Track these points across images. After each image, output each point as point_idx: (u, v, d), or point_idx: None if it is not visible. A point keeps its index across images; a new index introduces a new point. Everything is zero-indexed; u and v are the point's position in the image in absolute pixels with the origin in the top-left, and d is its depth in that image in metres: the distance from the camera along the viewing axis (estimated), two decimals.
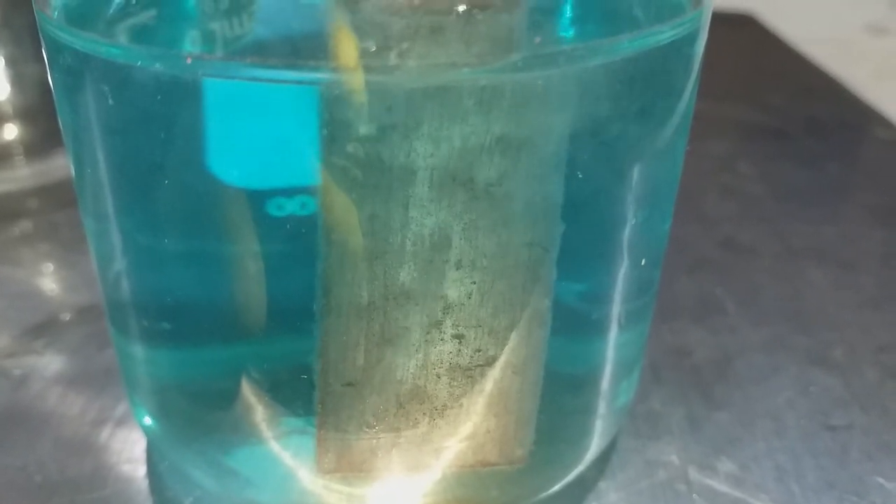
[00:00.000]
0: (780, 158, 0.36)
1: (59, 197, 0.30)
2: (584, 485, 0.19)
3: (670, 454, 0.20)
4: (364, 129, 0.11)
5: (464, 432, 0.15)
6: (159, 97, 0.12)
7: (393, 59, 0.11)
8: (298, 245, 0.14)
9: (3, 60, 0.30)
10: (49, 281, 0.26)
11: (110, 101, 0.13)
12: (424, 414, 0.15)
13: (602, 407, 0.18)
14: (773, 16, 0.56)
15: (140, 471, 0.19)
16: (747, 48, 0.49)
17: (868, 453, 0.20)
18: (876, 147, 0.38)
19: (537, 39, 0.12)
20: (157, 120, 0.13)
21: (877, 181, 0.34)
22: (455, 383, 0.15)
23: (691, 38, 0.15)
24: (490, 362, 0.15)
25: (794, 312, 0.25)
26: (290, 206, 0.13)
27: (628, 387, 0.19)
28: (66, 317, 0.24)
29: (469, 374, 0.15)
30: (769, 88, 0.44)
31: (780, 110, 0.41)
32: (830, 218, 0.31)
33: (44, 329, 0.23)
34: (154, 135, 0.13)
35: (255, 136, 0.13)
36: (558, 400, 0.17)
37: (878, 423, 0.21)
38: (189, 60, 0.12)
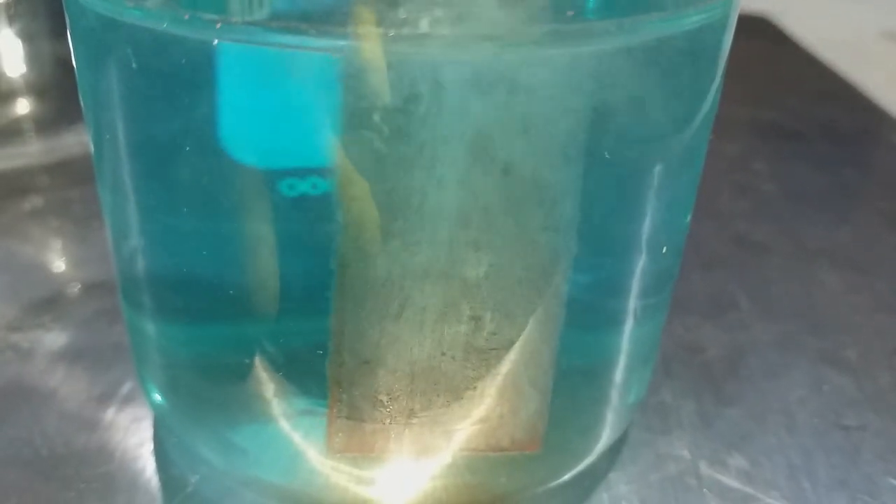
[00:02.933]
0: (795, 160, 0.36)
1: (71, 173, 0.29)
2: (595, 476, 0.19)
3: (681, 448, 0.19)
4: (388, 100, 0.11)
5: (477, 415, 0.15)
6: (183, 62, 0.12)
7: (422, 28, 0.11)
8: (312, 224, 0.14)
9: (17, 35, 0.30)
10: (59, 256, 0.26)
11: (133, 66, 0.13)
12: (438, 395, 0.14)
13: (615, 399, 0.17)
14: (787, 20, 0.55)
15: (147, 447, 0.19)
16: (762, 50, 0.49)
17: (881, 455, 0.20)
18: (891, 152, 0.37)
19: (570, 13, 0.11)
20: (181, 87, 0.13)
21: (892, 187, 0.34)
22: (469, 365, 0.14)
23: (720, 25, 0.15)
24: (505, 345, 0.15)
25: (806, 312, 0.25)
26: (303, 186, 0.13)
27: (641, 380, 0.19)
28: (76, 292, 0.24)
29: (484, 356, 0.14)
30: (784, 90, 0.43)
31: (795, 112, 0.41)
32: (844, 221, 0.31)
33: (52, 304, 0.23)
34: (176, 102, 0.13)
35: (275, 109, 0.12)
36: (572, 389, 0.16)
37: (891, 426, 0.21)
38: (218, 25, 0.11)
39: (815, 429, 0.20)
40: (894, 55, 0.56)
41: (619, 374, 0.17)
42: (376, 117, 0.12)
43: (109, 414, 0.20)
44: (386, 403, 0.14)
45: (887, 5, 0.64)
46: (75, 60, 0.15)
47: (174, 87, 0.13)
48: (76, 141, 0.30)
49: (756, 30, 0.53)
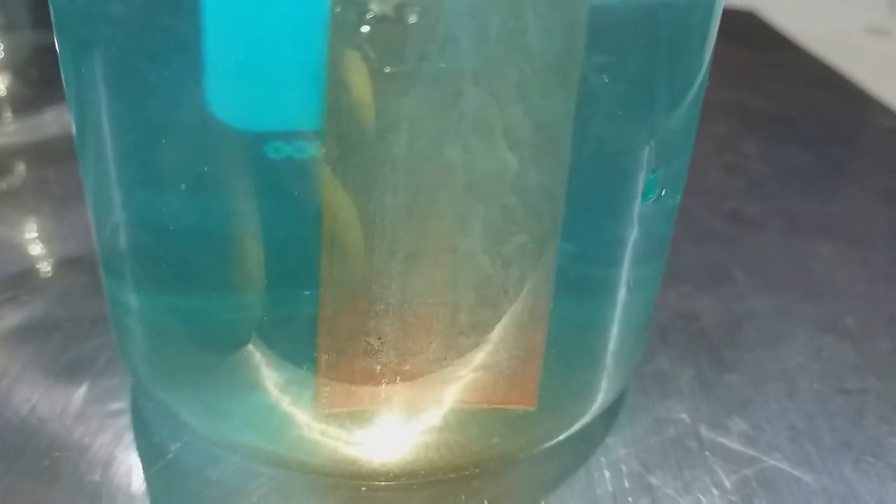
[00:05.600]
0: (783, 141, 0.35)
1: (48, 153, 0.29)
2: (592, 440, 0.18)
3: (680, 412, 0.19)
4: (377, 7, 0.11)
5: (470, 366, 0.14)
6: (168, 18, 0.12)
7: None
8: (298, 188, 0.13)
9: None
10: (36, 233, 0.25)
11: (116, 20, 0.12)
12: (431, 342, 0.14)
13: (609, 359, 0.17)
14: (773, 15, 0.55)
15: (125, 417, 0.18)
16: (749, 41, 0.49)
17: (884, 417, 0.19)
18: (879, 134, 0.37)
19: None
20: (165, 46, 0.12)
21: (881, 166, 0.34)
22: (463, 311, 0.14)
23: None
24: (500, 293, 0.14)
25: (802, 283, 0.25)
26: (288, 149, 0.13)
27: (637, 341, 0.18)
28: (52, 267, 0.23)
29: (478, 303, 0.14)
30: (771, 78, 0.43)
31: (783, 97, 0.40)
32: (835, 197, 0.31)
33: (28, 278, 0.22)
34: (161, 64, 0.12)
35: (262, 58, 0.12)
36: (567, 347, 0.16)
37: (893, 389, 0.20)
38: None
39: (817, 393, 0.20)
40: (878, 49, 0.56)
41: (613, 335, 0.17)
42: (370, 25, 0.11)
43: (86, 384, 0.19)
44: (377, 348, 0.14)
45: (871, 1, 0.64)
46: (55, 25, 0.14)
47: (159, 46, 0.12)
48: (53, 120, 0.30)
49: (742, 23, 0.53)
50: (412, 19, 0.11)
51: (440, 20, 0.11)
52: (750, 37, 0.50)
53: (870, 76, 0.46)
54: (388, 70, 0.11)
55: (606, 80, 0.13)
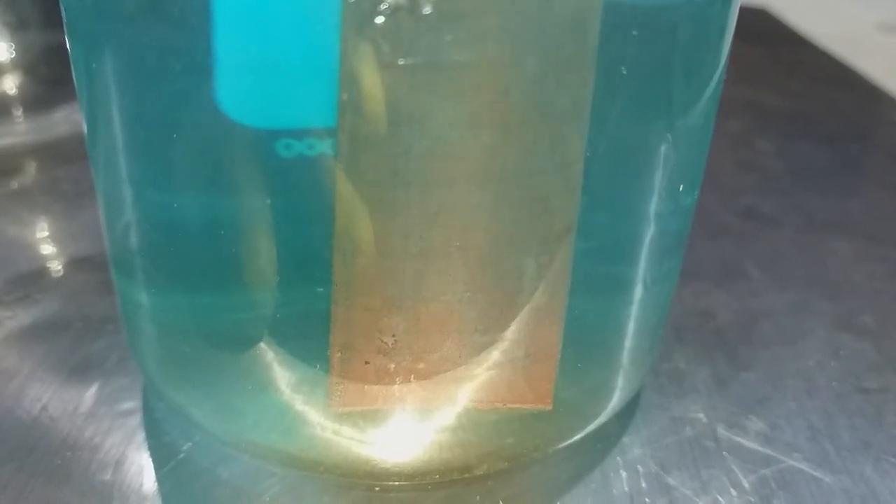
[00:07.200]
0: (799, 138, 0.35)
1: (59, 152, 0.29)
2: (608, 440, 0.18)
3: (697, 412, 0.19)
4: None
5: (484, 364, 0.14)
6: (178, 13, 0.12)
7: None
8: (309, 185, 0.13)
9: (4, 21, 0.29)
10: (47, 232, 0.25)
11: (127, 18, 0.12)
12: (445, 339, 0.14)
13: (626, 359, 0.17)
14: (785, 12, 0.55)
15: (136, 416, 0.18)
16: (762, 39, 0.49)
17: None
18: (894, 130, 0.37)
19: None
20: (176, 42, 0.12)
21: None
22: (478, 310, 0.14)
23: None
24: (515, 291, 0.14)
25: (819, 280, 0.24)
26: (299, 147, 0.13)
27: (653, 341, 0.18)
28: (63, 266, 0.23)
29: (493, 301, 0.14)
30: (786, 75, 0.43)
31: (798, 94, 0.40)
32: (852, 194, 0.30)
33: (40, 277, 0.22)
34: (172, 60, 0.12)
35: (275, 57, 0.12)
36: (583, 347, 0.16)
37: None
38: None
39: (836, 392, 0.20)
40: (890, 47, 0.56)
41: (630, 333, 0.16)
42: (384, 16, 0.11)
43: (97, 384, 0.19)
44: (391, 346, 0.13)
45: None
46: (66, 24, 0.14)
47: (169, 44, 0.12)
48: (64, 119, 0.30)
49: (756, 21, 0.53)
50: (427, 10, 0.10)
51: (455, 11, 0.11)
52: (763, 34, 0.50)
53: (882, 73, 0.46)
54: (401, 62, 0.11)
55: (624, 73, 0.13)
